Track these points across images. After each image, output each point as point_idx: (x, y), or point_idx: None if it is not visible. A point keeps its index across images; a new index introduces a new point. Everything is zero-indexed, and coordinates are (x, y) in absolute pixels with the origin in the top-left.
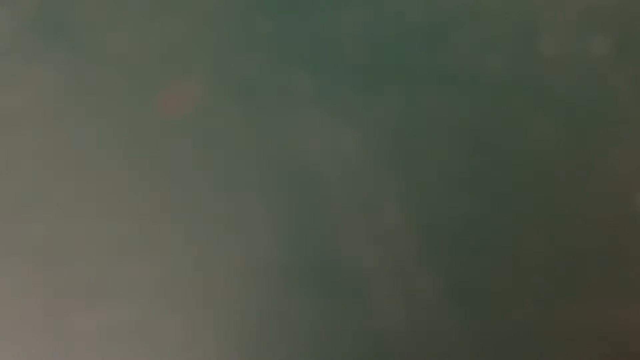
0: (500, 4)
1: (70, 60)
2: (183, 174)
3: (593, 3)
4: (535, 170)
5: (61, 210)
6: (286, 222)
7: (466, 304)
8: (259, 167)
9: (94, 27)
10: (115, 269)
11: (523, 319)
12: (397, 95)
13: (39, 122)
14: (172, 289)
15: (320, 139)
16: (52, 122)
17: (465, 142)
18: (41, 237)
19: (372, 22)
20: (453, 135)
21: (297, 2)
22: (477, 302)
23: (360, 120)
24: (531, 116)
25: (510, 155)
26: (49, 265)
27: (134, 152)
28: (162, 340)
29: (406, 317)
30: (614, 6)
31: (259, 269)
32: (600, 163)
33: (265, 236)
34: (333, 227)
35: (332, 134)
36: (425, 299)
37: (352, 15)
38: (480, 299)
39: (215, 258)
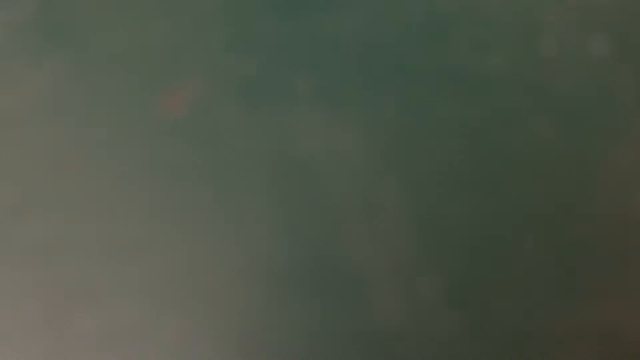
0: (500, 4)
1: (70, 60)
2: (183, 173)
3: (593, 3)
4: (535, 170)
5: (61, 210)
6: (286, 222)
7: (466, 304)
8: (259, 167)
9: (94, 27)
10: (115, 269)
11: (523, 319)
12: (397, 95)
13: (39, 122)
14: (171, 289)
15: (320, 139)
16: (52, 122)
17: (465, 142)
18: (41, 237)
19: (372, 22)
20: (453, 135)
21: (297, 2)
22: (477, 302)
23: (360, 120)
24: (531, 116)
25: (510, 155)
26: (49, 265)
27: (133, 152)
28: (161, 340)
29: (406, 317)
30: (614, 6)
31: (258, 268)
32: (600, 163)
33: (264, 236)
34: (333, 226)
35: (332, 134)
36: (425, 299)
37: (352, 15)
38: (480, 299)
39: (214, 258)
